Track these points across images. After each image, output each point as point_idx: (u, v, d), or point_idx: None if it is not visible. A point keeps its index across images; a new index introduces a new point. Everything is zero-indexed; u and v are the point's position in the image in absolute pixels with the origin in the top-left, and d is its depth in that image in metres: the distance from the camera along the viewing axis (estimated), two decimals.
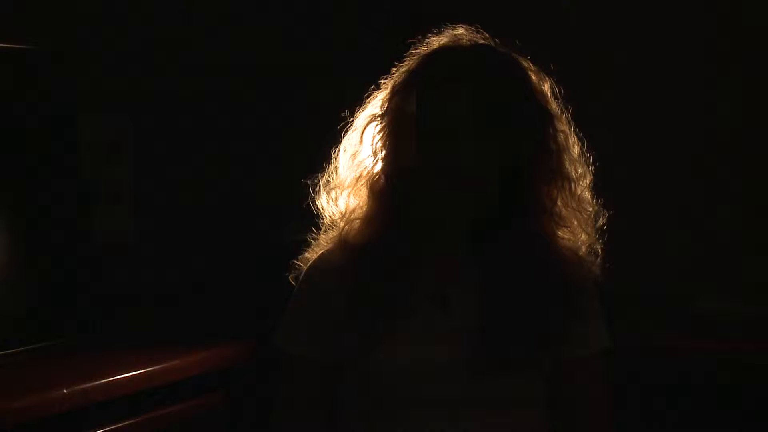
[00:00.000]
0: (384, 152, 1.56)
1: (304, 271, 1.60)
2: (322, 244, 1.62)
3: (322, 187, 1.63)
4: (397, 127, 1.54)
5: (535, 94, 1.54)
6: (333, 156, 1.62)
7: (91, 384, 1.67)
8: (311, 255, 1.61)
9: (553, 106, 1.56)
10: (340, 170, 1.61)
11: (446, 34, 1.61)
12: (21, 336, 1.85)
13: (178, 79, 2.26)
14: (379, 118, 1.57)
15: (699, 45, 2.26)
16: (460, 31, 1.60)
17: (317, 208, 1.62)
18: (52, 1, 2.03)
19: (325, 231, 1.62)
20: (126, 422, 1.74)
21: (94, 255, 2.00)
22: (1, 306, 1.85)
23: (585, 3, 2.36)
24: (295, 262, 1.62)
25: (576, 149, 1.58)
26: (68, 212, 1.96)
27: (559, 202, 1.55)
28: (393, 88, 1.57)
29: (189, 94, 2.28)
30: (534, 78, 1.56)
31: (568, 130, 1.57)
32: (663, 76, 2.29)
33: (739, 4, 2.23)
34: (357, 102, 1.63)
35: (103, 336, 1.96)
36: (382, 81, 1.61)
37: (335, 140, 1.63)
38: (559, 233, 1.57)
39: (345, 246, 1.57)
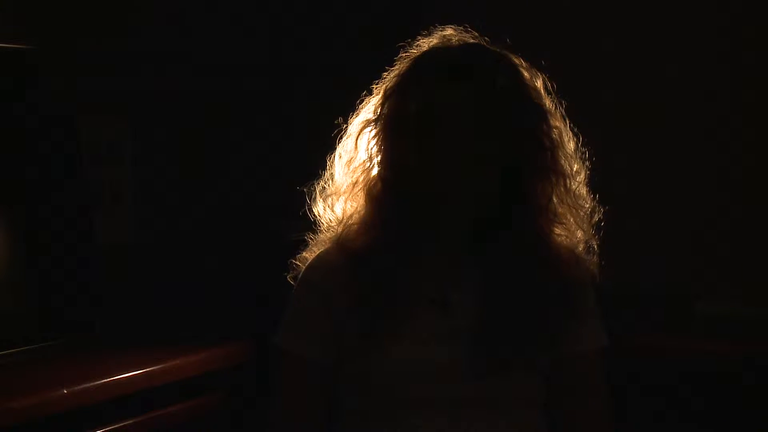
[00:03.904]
0: (380, 157, 1.56)
1: (302, 271, 1.60)
2: (320, 243, 1.62)
3: (318, 194, 1.63)
4: (393, 130, 1.54)
5: (529, 90, 1.55)
6: (328, 163, 1.62)
7: (91, 384, 1.67)
8: (309, 255, 1.62)
9: (547, 102, 1.56)
10: (336, 177, 1.61)
11: (435, 35, 1.61)
12: (21, 336, 1.85)
13: (178, 79, 2.26)
14: (373, 123, 1.57)
15: (700, 42, 2.26)
16: (449, 31, 1.60)
17: (314, 215, 1.62)
18: (52, 1, 2.03)
19: (322, 231, 1.63)
20: (126, 422, 1.74)
21: (94, 255, 2.00)
22: (1, 306, 1.85)
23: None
24: (294, 261, 1.62)
25: (571, 145, 1.58)
26: (68, 212, 1.96)
27: (554, 199, 1.55)
28: (386, 92, 1.57)
29: (189, 94, 2.28)
30: (527, 75, 1.56)
31: (562, 126, 1.58)
32: (664, 75, 2.29)
33: (740, 4, 2.23)
34: (358, 102, 1.63)
35: (103, 336, 1.96)
36: (374, 86, 1.61)
37: (330, 147, 1.63)
38: (556, 231, 1.57)
39: (343, 248, 1.57)
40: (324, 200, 1.62)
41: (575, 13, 2.35)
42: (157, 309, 2.14)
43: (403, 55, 1.59)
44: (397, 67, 1.58)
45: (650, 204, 2.29)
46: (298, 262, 1.62)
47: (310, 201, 1.63)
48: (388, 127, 1.55)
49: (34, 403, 1.58)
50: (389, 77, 1.58)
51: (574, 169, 1.58)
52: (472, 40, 1.58)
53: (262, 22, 2.45)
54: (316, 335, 1.57)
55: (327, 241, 1.61)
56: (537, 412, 1.57)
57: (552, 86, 1.58)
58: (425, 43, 1.59)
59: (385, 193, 1.55)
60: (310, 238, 1.64)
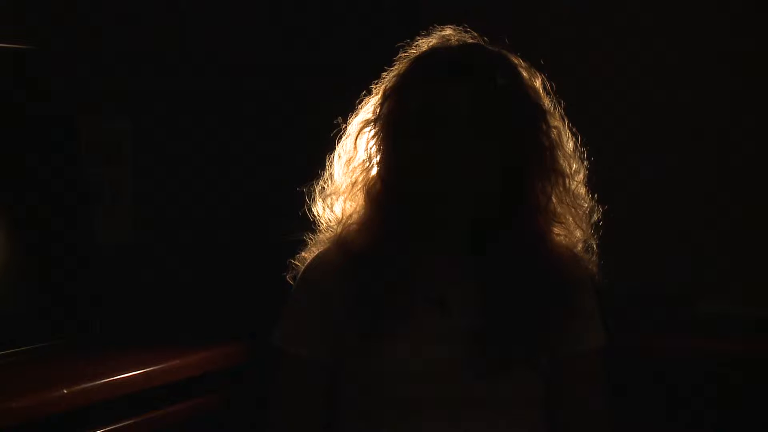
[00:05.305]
0: (379, 157, 1.56)
1: (301, 271, 1.60)
2: (319, 243, 1.62)
3: (317, 194, 1.63)
4: (393, 130, 1.54)
5: (528, 90, 1.55)
6: (328, 163, 1.63)
7: (91, 384, 1.67)
8: (308, 255, 1.62)
9: (546, 101, 1.57)
10: (335, 177, 1.62)
11: (435, 35, 1.61)
12: (21, 336, 1.85)
13: (178, 79, 2.26)
14: (372, 123, 1.57)
15: (701, 41, 2.26)
16: (449, 31, 1.61)
17: (313, 215, 1.63)
18: (52, 1, 2.03)
19: (321, 231, 1.63)
20: (126, 422, 1.74)
21: (94, 255, 2.00)
22: (1, 306, 1.85)
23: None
24: (292, 261, 1.62)
25: (570, 144, 1.58)
26: (68, 212, 1.96)
27: (554, 199, 1.56)
28: (385, 92, 1.57)
29: (189, 94, 2.28)
30: (526, 74, 1.56)
31: (561, 126, 1.58)
32: (664, 74, 2.29)
33: (740, 4, 2.23)
34: (357, 102, 1.64)
35: (103, 336, 1.96)
36: (373, 86, 1.61)
37: (330, 147, 1.63)
38: (555, 230, 1.58)
39: (343, 248, 1.57)
40: (323, 200, 1.62)
41: (574, 13, 2.36)
42: (157, 309, 2.13)
43: (403, 55, 1.59)
44: (396, 67, 1.59)
45: (650, 204, 2.29)
46: (297, 262, 1.62)
47: (309, 201, 1.64)
48: (388, 127, 1.55)
49: (34, 403, 1.58)
50: (388, 77, 1.59)
51: (573, 168, 1.58)
52: (471, 40, 1.59)
53: (262, 22, 2.45)
54: (315, 335, 1.57)
55: (326, 241, 1.61)
56: (537, 411, 1.57)
57: (551, 86, 1.58)
58: (424, 43, 1.60)
59: (385, 193, 1.56)
60: (310, 238, 1.64)
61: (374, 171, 1.58)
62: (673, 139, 2.29)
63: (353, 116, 1.62)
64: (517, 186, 1.54)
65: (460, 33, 1.60)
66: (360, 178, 1.58)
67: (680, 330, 2.09)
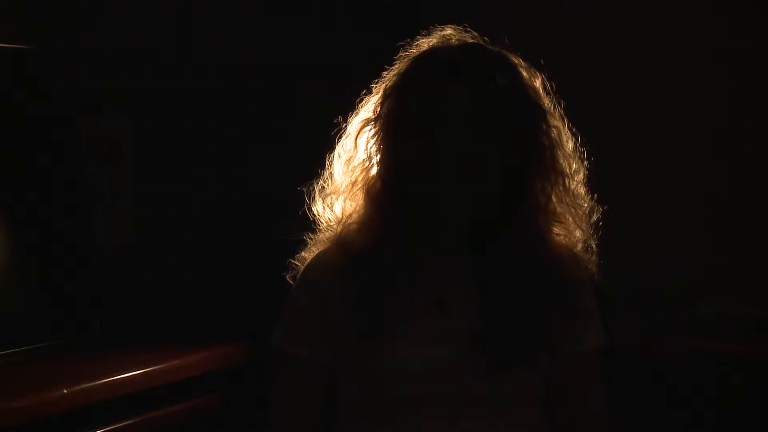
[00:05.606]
0: (379, 156, 1.56)
1: (301, 271, 1.60)
2: (319, 243, 1.62)
3: (317, 194, 1.63)
4: (393, 129, 1.54)
5: (528, 90, 1.55)
6: (328, 162, 1.63)
7: (91, 384, 1.67)
8: (308, 254, 1.62)
9: (546, 101, 1.57)
10: (335, 176, 1.62)
11: (435, 35, 1.61)
12: (21, 336, 1.85)
13: (178, 79, 2.26)
14: (372, 123, 1.57)
15: (703, 42, 2.26)
16: (449, 31, 1.61)
17: (313, 214, 1.63)
18: (52, 1, 2.03)
19: (321, 231, 1.63)
20: (126, 422, 1.74)
21: (94, 255, 2.00)
22: (1, 306, 1.85)
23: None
24: (292, 261, 1.62)
25: (570, 144, 1.58)
26: (68, 212, 1.96)
27: (553, 199, 1.56)
28: (385, 91, 1.57)
29: (189, 94, 2.28)
30: (525, 74, 1.56)
31: (561, 126, 1.58)
32: (664, 74, 2.29)
33: (740, 5, 2.23)
34: (357, 101, 1.64)
35: (103, 336, 1.96)
36: (374, 85, 1.61)
37: (330, 146, 1.63)
38: (555, 230, 1.58)
39: (343, 248, 1.57)
40: (323, 200, 1.62)
41: (574, 13, 2.36)
42: (157, 309, 2.14)
43: (403, 54, 1.59)
44: (396, 66, 1.59)
45: (650, 204, 2.29)
46: (297, 262, 1.62)
47: (309, 201, 1.64)
48: (388, 126, 1.55)
49: (34, 403, 1.58)
50: (389, 76, 1.59)
51: (573, 168, 1.58)
52: (471, 40, 1.59)
53: (262, 22, 2.45)
54: (315, 335, 1.57)
55: (326, 241, 1.61)
56: (537, 411, 1.56)
57: (551, 86, 1.58)
58: (425, 43, 1.60)
59: (385, 192, 1.56)
60: (309, 238, 1.64)
61: (374, 170, 1.58)
62: (673, 139, 2.29)
63: (353, 115, 1.62)
64: (517, 186, 1.54)
65: (460, 33, 1.60)
66: (360, 178, 1.58)
67: (680, 330, 2.09)
